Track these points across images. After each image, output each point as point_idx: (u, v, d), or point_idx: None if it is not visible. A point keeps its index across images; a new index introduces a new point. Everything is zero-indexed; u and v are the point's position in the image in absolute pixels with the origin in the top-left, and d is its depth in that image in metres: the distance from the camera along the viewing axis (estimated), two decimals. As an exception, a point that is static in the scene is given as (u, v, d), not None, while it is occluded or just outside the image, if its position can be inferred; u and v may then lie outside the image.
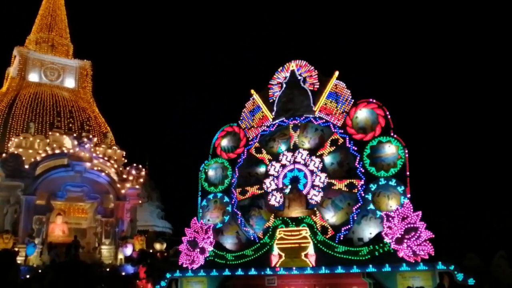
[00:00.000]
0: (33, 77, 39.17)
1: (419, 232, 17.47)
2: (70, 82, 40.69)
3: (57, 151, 29.88)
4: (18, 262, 24.40)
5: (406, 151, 19.89)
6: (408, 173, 19.64)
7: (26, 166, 28.18)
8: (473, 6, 60.00)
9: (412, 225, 17.64)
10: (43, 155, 29.43)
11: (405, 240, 17.61)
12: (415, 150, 21.14)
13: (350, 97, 22.00)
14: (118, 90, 72.55)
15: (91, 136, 31.88)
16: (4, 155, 29.54)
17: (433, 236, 17.34)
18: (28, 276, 23.53)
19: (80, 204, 31.14)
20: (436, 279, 16.72)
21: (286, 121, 23.07)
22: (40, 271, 24.26)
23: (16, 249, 24.96)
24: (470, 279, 16.33)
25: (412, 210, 17.86)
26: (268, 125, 23.60)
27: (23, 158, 28.51)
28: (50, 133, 32.88)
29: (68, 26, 44.26)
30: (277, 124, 23.35)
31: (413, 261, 17.32)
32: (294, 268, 19.11)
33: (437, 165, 41.03)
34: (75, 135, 31.23)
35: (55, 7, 43.74)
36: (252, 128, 24.12)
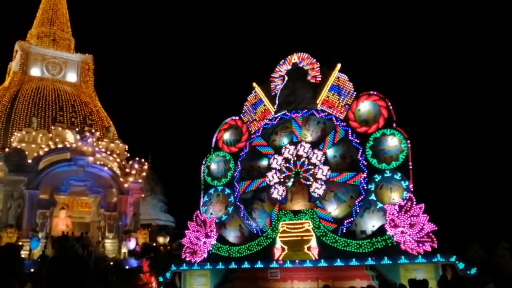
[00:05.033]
0: (35, 71, 39.18)
1: (421, 224, 17.45)
2: (72, 76, 40.67)
3: (59, 146, 29.94)
4: (22, 256, 24.55)
5: (409, 143, 19.81)
6: (410, 165, 19.58)
7: (29, 161, 28.27)
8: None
9: (415, 218, 17.62)
10: (46, 149, 29.49)
11: (408, 233, 17.60)
12: (418, 142, 21.06)
13: (353, 89, 21.87)
14: (120, 84, 72.44)
15: (93, 130, 31.93)
16: (7, 150, 29.61)
17: (436, 228, 17.34)
18: (32, 270, 23.67)
19: (83, 198, 31.29)
20: (439, 272, 16.68)
21: (288, 114, 22.97)
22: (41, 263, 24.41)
23: (20, 243, 25.13)
24: (473, 269, 16.31)
25: (415, 203, 17.83)
26: (270, 118, 23.51)
27: (26, 153, 28.57)
28: (52, 127, 32.92)
29: (70, 20, 44.19)
30: (279, 117, 23.26)
31: (416, 254, 17.32)
32: (296, 261, 19.14)
33: (440, 157, 41.00)
34: (77, 129, 31.28)
35: (57, 1, 43.63)
36: (254, 121, 24.02)
